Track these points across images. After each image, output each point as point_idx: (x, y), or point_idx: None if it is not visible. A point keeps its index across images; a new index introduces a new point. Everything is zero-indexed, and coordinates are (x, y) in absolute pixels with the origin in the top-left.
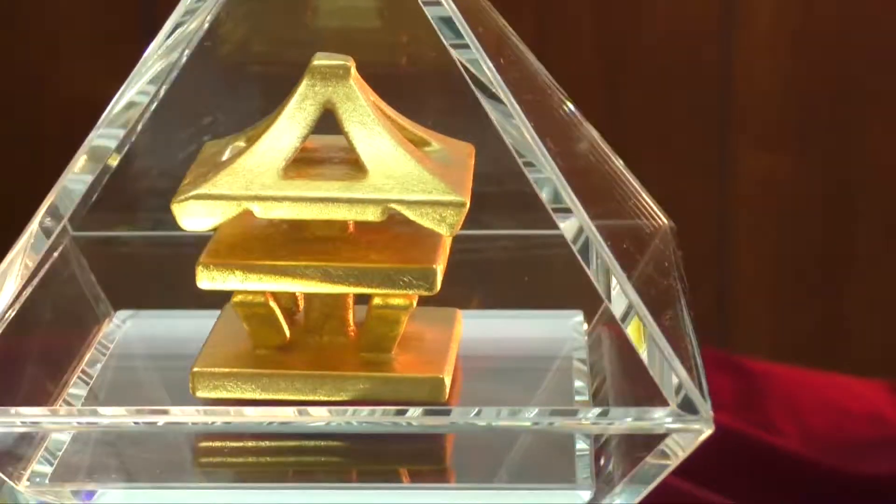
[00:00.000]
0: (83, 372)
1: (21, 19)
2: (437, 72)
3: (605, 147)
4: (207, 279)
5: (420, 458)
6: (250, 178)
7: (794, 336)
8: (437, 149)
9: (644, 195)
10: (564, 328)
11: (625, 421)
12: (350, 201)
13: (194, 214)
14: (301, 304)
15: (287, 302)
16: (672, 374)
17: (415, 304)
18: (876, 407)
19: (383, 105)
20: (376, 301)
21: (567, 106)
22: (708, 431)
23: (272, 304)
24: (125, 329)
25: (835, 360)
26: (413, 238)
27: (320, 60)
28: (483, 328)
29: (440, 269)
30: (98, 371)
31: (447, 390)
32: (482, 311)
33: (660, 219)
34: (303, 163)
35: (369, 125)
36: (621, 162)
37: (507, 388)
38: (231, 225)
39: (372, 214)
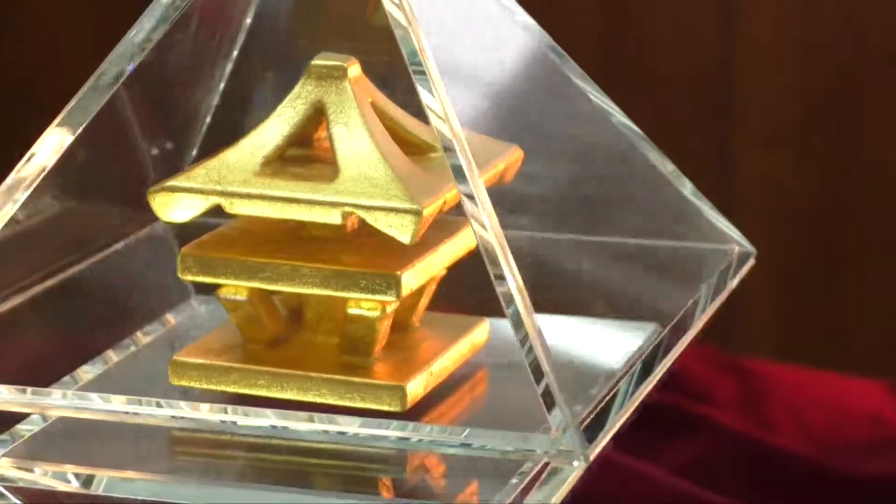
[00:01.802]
0: (120, 349)
1: (21, 19)
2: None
3: (666, 170)
4: (186, 270)
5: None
6: (225, 174)
7: (794, 336)
8: (442, 155)
9: (720, 223)
10: (620, 341)
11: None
12: (310, 203)
13: (166, 205)
14: None
15: (294, 298)
16: (552, 402)
17: (388, 310)
18: (876, 407)
19: (392, 109)
20: (350, 304)
21: (618, 119)
22: (578, 466)
23: (254, 299)
24: (190, 313)
25: (835, 360)
26: (402, 244)
27: (318, 60)
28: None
29: (407, 276)
30: (131, 352)
31: (407, 400)
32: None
33: (731, 244)
34: (291, 161)
35: (352, 127)
36: (691, 186)
37: (485, 401)
38: (245, 219)
39: (331, 217)
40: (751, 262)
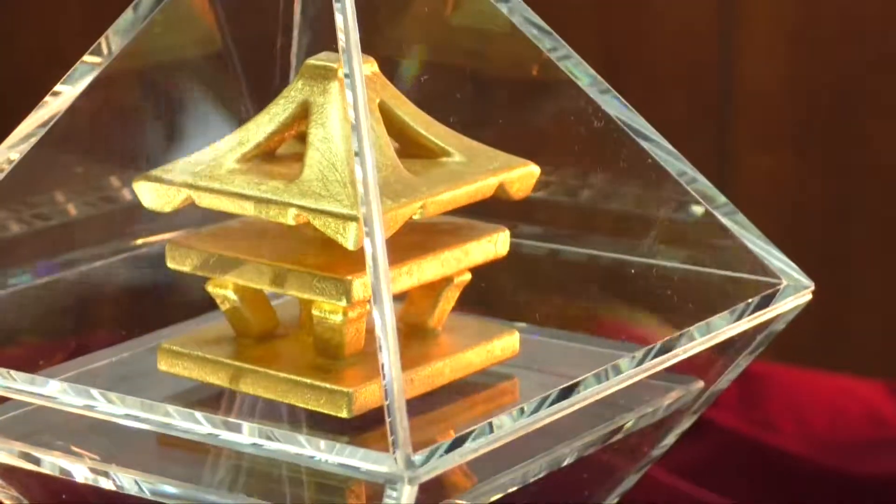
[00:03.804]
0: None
1: (21, 22)
2: (554, 84)
3: (719, 202)
4: (171, 259)
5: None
6: (201, 168)
7: (794, 336)
8: (440, 162)
9: (768, 255)
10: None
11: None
12: (265, 202)
13: (147, 195)
14: None
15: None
16: (392, 424)
17: (353, 314)
18: (876, 407)
19: (404, 111)
20: (314, 306)
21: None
22: (404, 489)
23: (240, 294)
24: None
25: (835, 360)
26: (393, 249)
27: (312, 60)
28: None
29: (360, 283)
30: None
31: (353, 406)
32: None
33: (770, 278)
34: (277, 159)
35: (329, 128)
36: (742, 218)
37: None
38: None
39: (284, 218)
40: (805, 296)
